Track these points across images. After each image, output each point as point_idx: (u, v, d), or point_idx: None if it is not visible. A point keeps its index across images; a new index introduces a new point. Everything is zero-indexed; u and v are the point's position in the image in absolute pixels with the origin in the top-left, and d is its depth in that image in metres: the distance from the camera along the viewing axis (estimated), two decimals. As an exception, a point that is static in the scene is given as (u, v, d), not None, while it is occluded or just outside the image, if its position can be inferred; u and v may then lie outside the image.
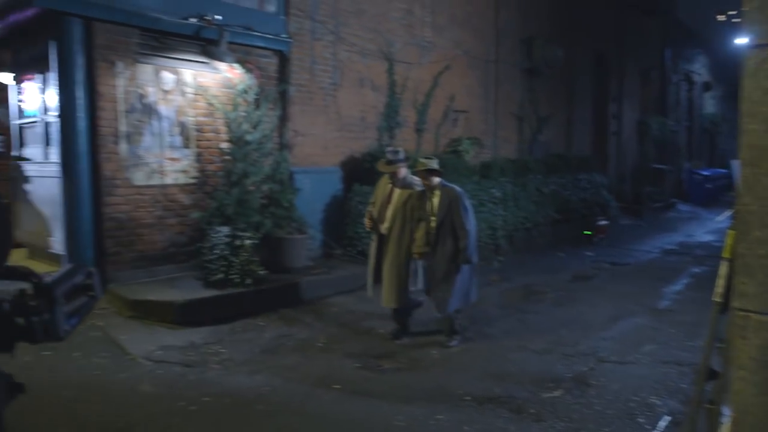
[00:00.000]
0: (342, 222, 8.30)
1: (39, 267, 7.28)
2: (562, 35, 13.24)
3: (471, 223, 5.41)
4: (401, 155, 5.61)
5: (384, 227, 5.62)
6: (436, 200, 5.43)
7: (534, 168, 11.44)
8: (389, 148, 5.81)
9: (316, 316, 6.34)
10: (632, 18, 16.45)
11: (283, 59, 7.97)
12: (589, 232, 11.77)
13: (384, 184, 5.72)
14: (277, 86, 7.84)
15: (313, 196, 7.97)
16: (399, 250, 5.55)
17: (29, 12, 6.06)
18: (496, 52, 11.82)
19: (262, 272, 6.55)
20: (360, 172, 8.49)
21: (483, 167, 10.41)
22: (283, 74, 7.97)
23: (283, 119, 7.96)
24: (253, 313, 6.18)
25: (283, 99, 7.93)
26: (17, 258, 7.86)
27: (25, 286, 1.44)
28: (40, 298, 1.36)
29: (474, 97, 11.39)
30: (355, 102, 9.02)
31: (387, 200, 5.65)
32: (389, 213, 5.61)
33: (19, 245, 8.19)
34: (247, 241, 6.55)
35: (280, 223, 7.21)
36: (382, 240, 5.65)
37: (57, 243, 6.89)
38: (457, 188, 5.49)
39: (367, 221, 5.70)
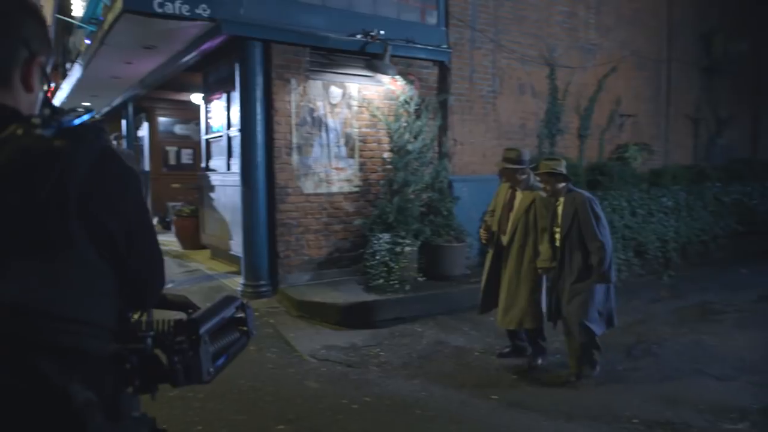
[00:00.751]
0: (499, 230, 8.17)
1: (220, 267, 8.07)
2: (746, 26, 11.95)
3: (605, 234, 4.60)
4: (524, 156, 4.95)
5: (504, 238, 5.03)
6: (560, 208, 4.72)
7: (712, 175, 10.42)
8: (509, 147, 5.24)
9: (473, 324, 6.28)
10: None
11: (443, 69, 8.08)
12: (779, 247, 10.46)
13: (504, 190, 5.12)
14: (437, 96, 7.96)
15: (471, 205, 7.95)
16: (521, 264, 4.93)
17: (218, 39, 6.72)
18: (668, 50, 10.99)
19: (420, 279, 6.66)
20: (519, 180, 8.33)
21: (652, 174, 9.70)
22: (443, 84, 8.09)
23: (443, 128, 8.06)
24: (411, 319, 6.29)
25: (443, 108, 8.03)
26: (202, 258, 8.79)
27: (181, 316, 1.31)
28: (184, 334, 1.20)
29: (642, 99, 10.67)
30: (515, 109, 8.89)
31: (508, 207, 5.03)
32: (510, 222, 5.01)
33: (203, 247, 9.15)
34: (407, 248, 6.72)
35: (438, 231, 7.30)
36: (501, 253, 5.08)
37: (236, 246, 7.57)
38: (585, 193, 4.72)
39: (482, 233, 5.15)
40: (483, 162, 8.45)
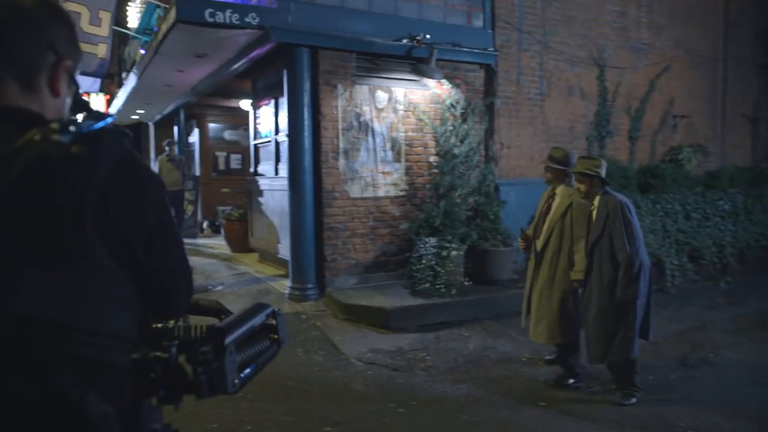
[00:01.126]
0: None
1: (268, 270, 8.21)
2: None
3: (636, 244, 4.17)
4: (571, 158, 4.61)
5: (538, 243, 4.72)
6: (594, 213, 4.38)
7: (773, 177, 10.01)
8: (556, 146, 4.92)
9: (520, 329, 6.13)
10: None
11: (490, 72, 8.03)
12: None
13: (546, 194, 4.83)
14: (484, 99, 7.92)
15: (518, 209, 7.86)
16: (554, 272, 4.61)
17: (267, 47, 6.84)
18: (724, 48, 10.62)
19: (467, 283, 6.63)
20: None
21: (708, 177, 9.39)
22: (489, 87, 8.03)
23: (490, 132, 8.01)
24: (458, 323, 6.26)
25: (489, 112, 7.98)
26: (250, 261, 8.96)
27: (214, 322, 1.27)
28: (209, 344, 1.15)
29: (697, 99, 10.35)
30: (563, 111, 8.76)
31: (545, 211, 4.72)
32: (545, 226, 4.68)
33: (252, 250, 9.33)
34: (453, 252, 6.69)
35: (485, 235, 7.25)
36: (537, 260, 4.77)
37: (284, 249, 7.69)
38: (619, 196, 4.32)
39: (520, 241, 4.86)
40: (530, 165, 8.35)
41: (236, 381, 1.17)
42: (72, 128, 1.01)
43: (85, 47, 9.13)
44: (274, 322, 1.37)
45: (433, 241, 6.73)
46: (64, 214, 0.96)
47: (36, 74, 1.12)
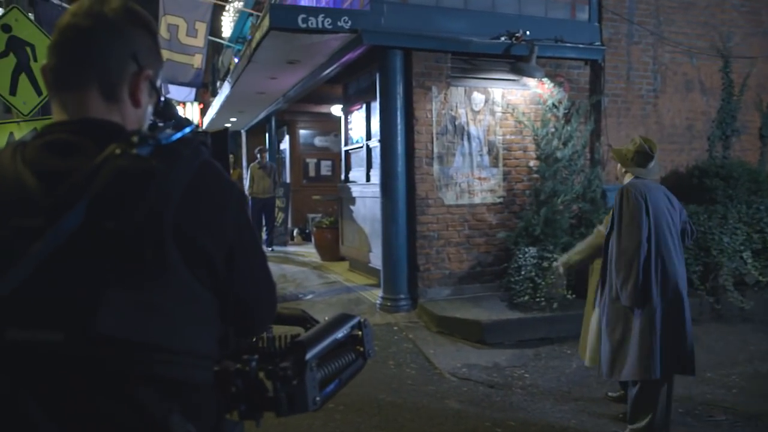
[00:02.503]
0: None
1: (359, 279, 8.44)
2: None
3: (636, 236, 3.72)
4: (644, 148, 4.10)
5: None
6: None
7: None
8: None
9: None
10: None
11: (596, 69, 7.88)
12: None
13: None
14: (589, 98, 7.78)
15: (628, 216, 7.66)
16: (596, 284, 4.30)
17: (359, 50, 7.07)
18: None
19: (570, 296, 6.50)
20: (685, 189, 7.85)
21: None
22: (595, 85, 7.88)
23: (596, 133, 7.85)
24: (559, 340, 6.17)
25: (595, 111, 7.83)
26: (340, 270, 9.24)
27: (299, 331, 1.33)
28: (290, 359, 1.17)
29: None
30: (680, 109, 8.44)
31: None
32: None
33: (342, 258, 9.62)
34: (555, 263, 6.59)
35: (590, 245, 7.10)
36: None
37: (375, 258, 7.88)
38: (632, 182, 3.91)
39: None
40: (642, 169, 8.08)
41: (317, 398, 1.18)
42: (151, 141, 1.05)
43: (181, 58, 9.89)
44: (359, 333, 1.38)
45: (532, 251, 6.68)
46: (143, 232, 1.00)
47: (118, 85, 1.15)
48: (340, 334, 1.32)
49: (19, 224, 1.01)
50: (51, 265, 0.98)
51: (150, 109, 1.23)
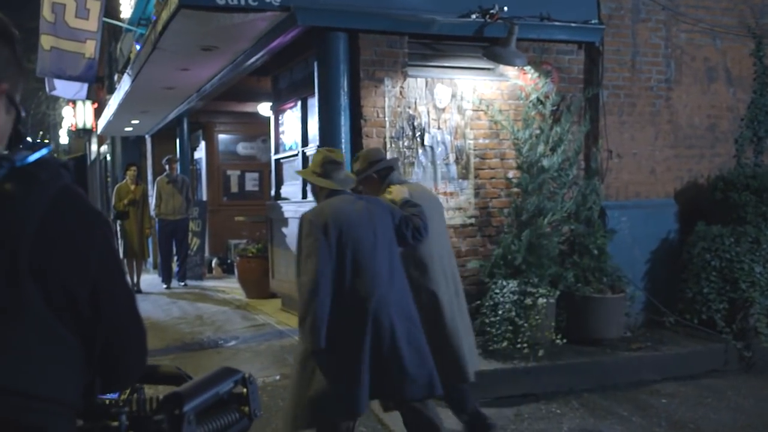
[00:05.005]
0: (676, 277, 8.18)
1: (293, 321, 8.65)
2: None
3: (309, 273, 4.18)
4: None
5: None
6: None
7: None
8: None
9: (636, 407, 6.31)
10: None
11: (593, 54, 8.26)
12: None
13: None
14: (584, 91, 8.11)
15: (633, 240, 8.08)
16: None
17: (291, 33, 7.37)
18: None
19: (559, 341, 6.84)
20: (706, 204, 8.36)
21: None
22: (592, 74, 8.26)
23: (592, 135, 8.22)
24: (546, 396, 6.45)
25: (591, 108, 8.20)
26: (270, 309, 9.52)
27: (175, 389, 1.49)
28: (164, 412, 1.36)
29: None
30: (700, 104, 8.87)
31: None
32: None
33: (273, 295, 9.89)
34: (541, 300, 6.93)
35: (585, 277, 7.46)
36: None
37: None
38: (313, 211, 4.39)
39: None
40: (651, 180, 8.55)
41: None
42: (5, 162, 1.22)
43: (69, 45, 10.18)
44: (244, 390, 1.59)
45: (512, 284, 6.97)
46: None
47: None
48: (222, 389, 1.53)
49: None
50: None
51: (9, 126, 1.39)
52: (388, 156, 7.38)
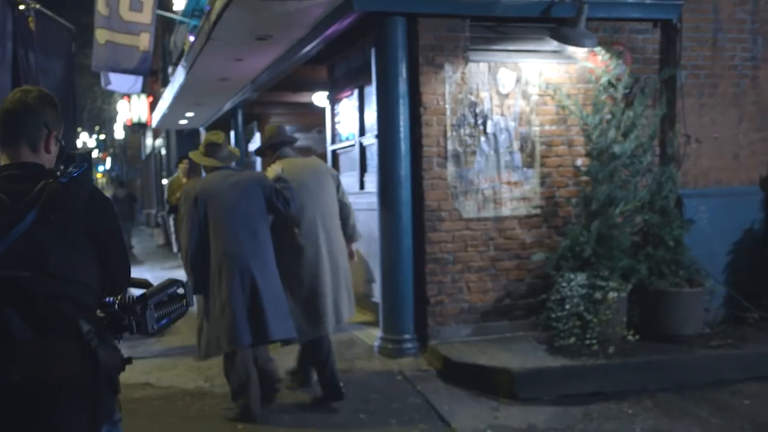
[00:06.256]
0: (761, 270, 8.22)
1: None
2: None
3: (184, 236, 6.18)
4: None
5: None
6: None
7: None
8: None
9: (715, 408, 6.31)
10: None
11: (669, 32, 8.31)
12: None
13: None
14: (660, 73, 8.16)
15: (713, 231, 8.11)
16: None
17: (348, 19, 7.65)
18: None
19: (631, 338, 6.92)
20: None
21: None
22: (668, 54, 8.31)
23: (669, 119, 8.27)
24: (617, 395, 6.53)
25: (668, 91, 8.22)
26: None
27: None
28: (138, 304, 2.79)
29: None
30: (791, 83, 8.80)
31: None
32: None
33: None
34: (611, 294, 7.03)
35: (660, 270, 7.51)
36: None
37: (371, 288, 8.52)
38: (190, 185, 6.68)
39: None
40: (734, 167, 8.55)
41: (155, 326, 2.84)
42: (67, 175, 2.66)
43: (124, 39, 10.80)
44: (183, 291, 3.04)
45: (581, 278, 7.08)
46: (70, 221, 2.64)
47: (38, 142, 2.77)
48: (170, 291, 2.97)
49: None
50: (21, 239, 2.53)
51: (56, 150, 2.85)
52: (449, 145, 7.62)
